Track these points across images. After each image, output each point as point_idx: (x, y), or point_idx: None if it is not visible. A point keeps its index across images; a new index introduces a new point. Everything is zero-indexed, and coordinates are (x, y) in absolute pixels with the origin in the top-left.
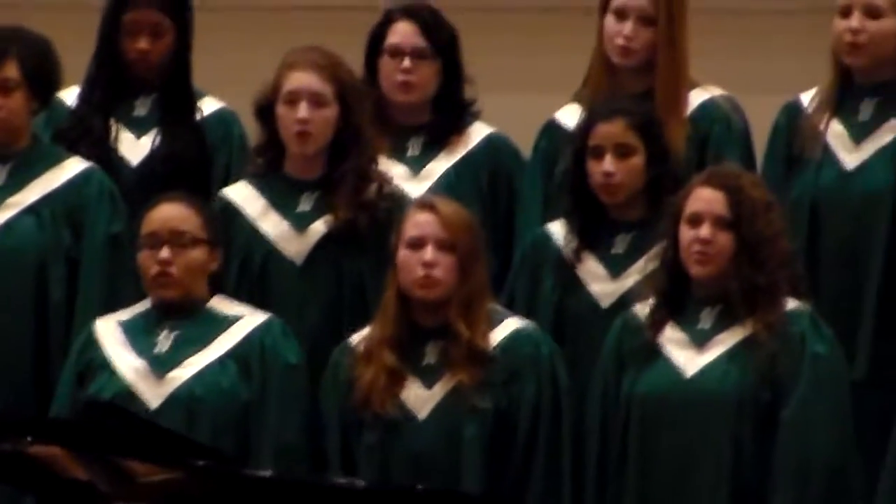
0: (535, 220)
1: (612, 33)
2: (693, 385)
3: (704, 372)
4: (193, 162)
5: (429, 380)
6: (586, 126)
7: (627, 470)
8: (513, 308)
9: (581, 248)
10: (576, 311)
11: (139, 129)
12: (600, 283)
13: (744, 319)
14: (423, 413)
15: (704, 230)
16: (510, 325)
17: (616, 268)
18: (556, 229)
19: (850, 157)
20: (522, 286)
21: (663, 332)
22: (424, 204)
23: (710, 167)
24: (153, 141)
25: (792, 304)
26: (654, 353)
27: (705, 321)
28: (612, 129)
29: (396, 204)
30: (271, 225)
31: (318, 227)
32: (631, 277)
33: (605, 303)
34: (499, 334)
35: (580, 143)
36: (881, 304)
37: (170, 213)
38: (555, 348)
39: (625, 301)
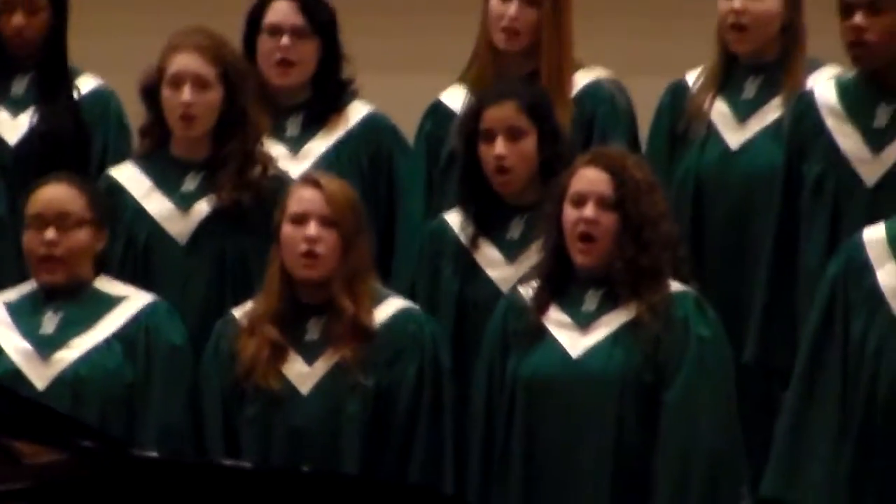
0: (419, 202)
1: (496, 15)
2: (578, 367)
3: (589, 354)
4: (70, 140)
5: (311, 355)
6: (476, 110)
7: (512, 451)
8: (415, 299)
9: (477, 234)
10: (476, 298)
11: (16, 107)
12: (498, 269)
13: (628, 301)
14: (304, 388)
15: (588, 210)
16: (394, 303)
17: (512, 252)
18: (453, 218)
19: (735, 136)
20: (423, 277)
21: (548, 314)
22: (309, 180)
23: (594, 148)
24: (31, 119)
25: (676, 286)
26: (538, 336)
27: (590, 303)
28: (502, 113)
29: (281, 184)
30: (156, 205)
31: (203, 207)
32: (527, 261)
33: (505, 287)
34: (382, 312)
35: (471, 128)
36: (770, 287)
37: (55, 193)
38: (437, 328)
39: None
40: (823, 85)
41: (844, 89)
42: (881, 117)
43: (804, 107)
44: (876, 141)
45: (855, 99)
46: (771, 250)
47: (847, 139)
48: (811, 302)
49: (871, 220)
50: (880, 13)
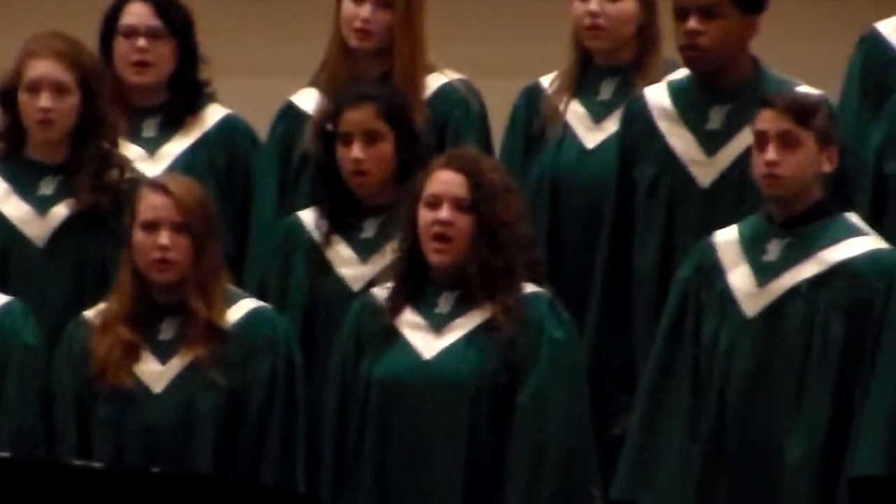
0: (271, 203)
1: (349, 16)
2: (431, 368)
3: (442, 355)
4: None
5: (164, 355)
6: (334, 113)
7: (364, 452)
8: (266, 296)
9: (331, 232)
10: (327, 295)
11: None
12: (350, 267)
13: (482, 303)
14: (157, 387)
15: (444, 213)
16: (246, 304)
17: (365, 252)
18: (307, 216)
19: (590, 137)
20: (275, 274)
21: (402, 316)
22: (157, 185)
23: (449, 150)
24: None
25: (530, 288)
26: (392, 337)
27: (444, 305)
28: (359, 116)
29: (138, 186)
30: (13, 208)
31: (60, 210)
32: (380, 261)
33: (356, 286)
34: (235, 313)
35: (328, 130)
36: (604, 289)
37: None
38: (290, 328)
39: (374, 284)
40: (655, 88)
41: (677, 92)
42: (714, 119)
43: (635, 110)
44: (710, 143)
45: (688, 101)
46: (605, 252)
47: (681, 141)
48: (645, 304)
49: (706, 222)
50: (714, 18)
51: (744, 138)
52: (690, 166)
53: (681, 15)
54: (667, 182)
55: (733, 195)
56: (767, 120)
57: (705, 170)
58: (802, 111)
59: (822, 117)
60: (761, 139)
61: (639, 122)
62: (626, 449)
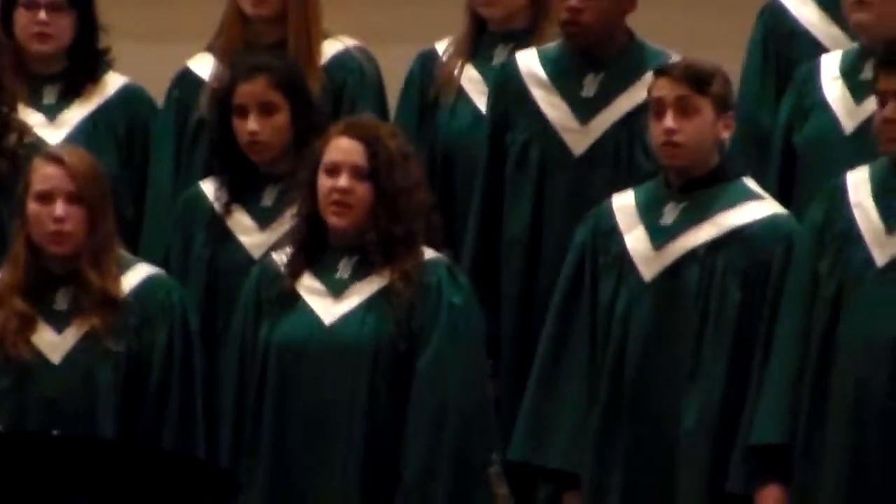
0: (168, 168)
1: None
2: (331, 333)
3: (342, 320)
4: None
5: (60, 325)
6: (229, 85)
7: (264, 417)
8: (168, 265)
9: (231, 201)
10: (229, 264)
11: None
12: (250, 235)
13: (381, 269)
14: (55, 357)
15: (342, 180)
16: (141, 270)
17: (265, 220)
18: (207, 186)
19: (484, 102)
20: (177, 244)
21: (301, 281)
22: (51, 156)
23: (347, 118)
24: None
25: (429, 253)
26: (291, 302)
27: (343, 271)
28: (254, 88)
29: (37, 152)
30: None
31: None
32: (280, 229)
33: (256, 254)
34: (130, 280)
35: (224, 102)
36: (475, 253)
37: None
38: (186, 294)
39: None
40: (527, 55)
41: (550, 60)
42: (589, 87)
43: (507, 76)
44: (583, 111)
45: (562, 69)
46: (476, 217)
47: (554, 109)
48: (513, 271)
49: (577, 191)
50: None
51: (618, 107)
52: (563, 134)
53: None
54: (538, 149)
55: (606, 164)
56: (664, 87)
57: (578, 137)
58: (699, 78)
59: (718, 84)
60: (658, 106)
61: (511, 88)
62: (522, 412)
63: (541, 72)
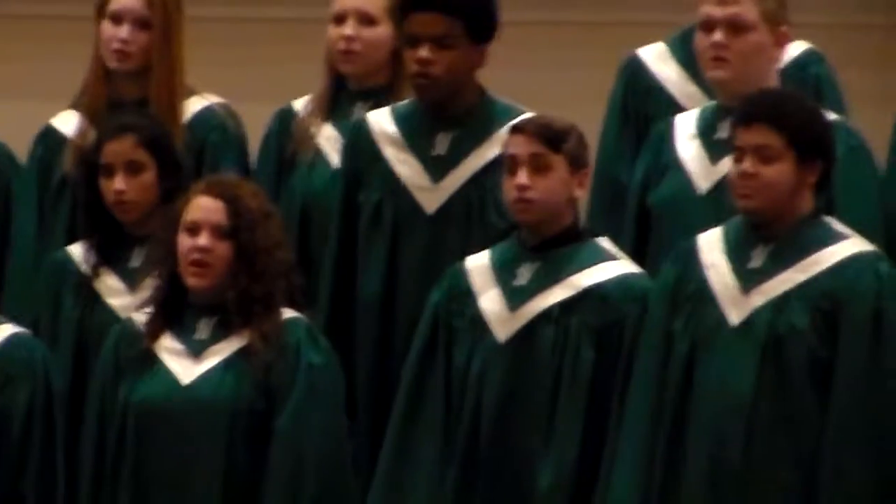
0: (30, 227)
1: (108, 37)
2: (188, 394)
3: (200, 380)
4: None
5: None
6: (96, 144)
7: (122, 478)
8: (38, 331)
9: (99, 264)
10: (98, 327)
11: None
12: (119, 297)
13: (240, 329)
14: None
15: (202, 239)
16: (4, 330)
17: (133, 281)
18: (75, 250)
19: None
20: (46, 309)
21: (160, 342)
22: None
23: (208, 176)
24: None
25: (289, 313)
26: (150, 362)
27: (202, 331)
28: (121, 147)
29: None
30: None
31: None
32: (149, 289)
33: (125, 316)
34: None
35: (90, 161)
36: (331, 313)
37: None
38: (48, 353)
39: None
40: (378, 113)
41: (401, 117)
42: (440, 145)
43: (358, 135)
44: (435, 169)
45: (413, 127)
46: (329, 277)
47: (406, 167)
48: (368, 333)
49: (431, 249)
50: (446, 48)
51: (470, 164)
52: (416, 192)
53: (412, 43)
54: (391, 208)
55: (459, 222)
56: (518, 144)
57: (431, 196)
58: (553, 136)
59: (572, 141)
60: (512, 163)
61: (363, 147)
62: (378, 474)
63: (393, 130)
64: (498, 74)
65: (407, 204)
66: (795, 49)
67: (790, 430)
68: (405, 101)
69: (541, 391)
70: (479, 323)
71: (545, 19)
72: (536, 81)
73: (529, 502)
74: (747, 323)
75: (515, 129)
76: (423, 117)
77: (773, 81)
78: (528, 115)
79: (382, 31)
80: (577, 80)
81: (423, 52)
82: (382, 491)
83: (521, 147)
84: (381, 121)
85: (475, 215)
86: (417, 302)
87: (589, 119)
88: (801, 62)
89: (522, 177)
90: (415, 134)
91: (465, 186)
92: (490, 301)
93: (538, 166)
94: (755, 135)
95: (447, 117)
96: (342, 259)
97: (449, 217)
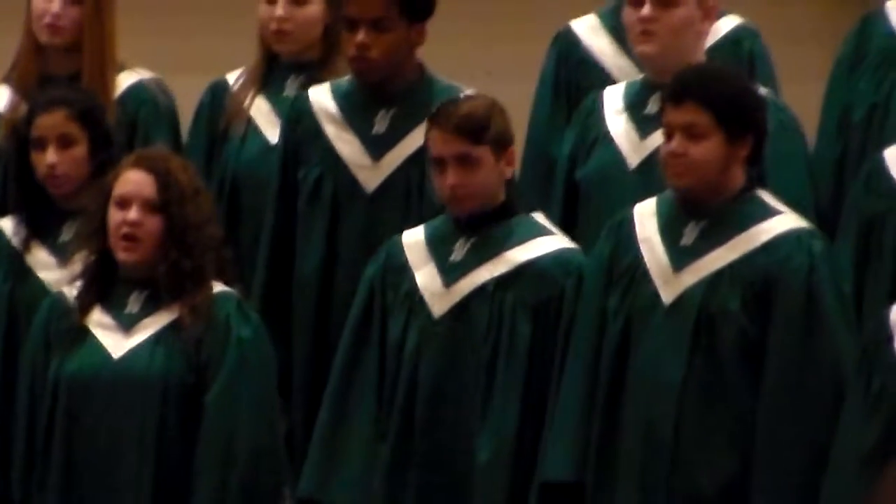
0: None
1: (39, 12)
2: (119, 368)
3: (130, 355)
4: None
5: None
6: (27, 118)
7: (53, 452)
8: None
9: (30, 238)
10: (28, 300)
11: None
12: (50, 271)
13: (170, 303)
14: None
15: (133, 213)
16: None
17: (65, 255)
18: (5, 223)
19: (274, 133)
20: None
21: (91, 315)
22: None
23: (138, 150)
24: None
25: (219, 287)
26: (81, 337)
27: (133, 305)
28: (52, 120)
29: None
30: None
31: None
32: (79, 263)
33: (55, 289)
34: None
35: (22, 135)
36: (266, 290)
37: None
38: None
39: None
40: (319, 90)
41: (342, 95)
42: (380, 124)
43: (299, 112)
44: (375, 147)
45: (353, 105)
46: (266, 252)
47: (346, 145)
48: (305, 310)
49: (370, 228)
50: (384, 31)
51: (409, 143)
52: (355, 170)
53: (350, 27)
54: (331, 185)
55: (398, 200)
56: (441, 145)
57: (370, 174)
58: (474, 130)
59: (494, 126)
60: (439, 164)
61: (303, 123)
62: (312, 448)
63: (333, 107)
64: (431, 49)
65: (346, 182)
66: (728, 24)
67: (721, 410)
68: (345, 78)
69: (477, 367)
70: (414, 298)
71: None
72: (469, 55)
73: (466, 478)
74: (679, 302)
75: (436, 126)
76: (363, 95)
77: (700, 56)
78: (467, 92)
79: (314, 10)
80: (511, 54)
81: (361, 36)
82: (317, 462)
83: (446, 148)
84: (322, 98)
85: (414, 194)
86: (355, 280)
87: (523, 93)
88: (734, 37)
89: (452, 177)
90: (355, 112)
91: (404, 165)
92: (425, 276)
93: (465, 163)
94: (683, 113)
95: (387, 96)
96: (279, 236)
97: (388, 195)
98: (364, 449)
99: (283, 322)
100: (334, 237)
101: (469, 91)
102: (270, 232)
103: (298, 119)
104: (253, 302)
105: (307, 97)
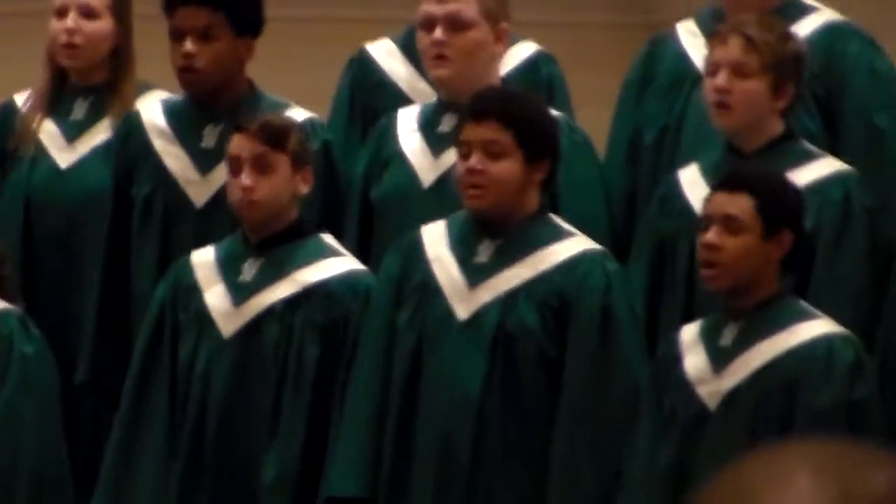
0: None
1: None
2: None
3: None
4: None
5: None
6: None
7: None
8: None
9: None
10: None
11: None
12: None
13: None
14: None
15: None
16: None
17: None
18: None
19: (63, 156)
20: None
21: None
22: None
23: None
24: None
25: (1, 304)
26: None
27: None
28: None
29: None
30: None
31: None
32: None
33: None
34: None
35: None
36: (101, 308)
37: None
38: None
39: None
40: (150, 106)
41: (172, 110)
42: (209, 138)
43: (130, 128)
44: (204, 162)
45: (182, 120)
46: (101, 272)
47: (175, 160)
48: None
49: (200, 242)
50: (210, 40)
51: None
52: (184, 185)
53: (177, 36)
54: (161, 201)
55: (228, 215)
56: (240, 145)
57: (199, 189)
58: (275, 135)
59: (294, 139)
60: (235, 164)
61: (134, 140)
62: (103, 469)
63: (162, 122)
64: (254, 71)
65: (176, 197)
66: (526, 50)
67: (520, 428)
68: (177, 95)
69: (265, 387)
70: (204, 318)
71: (289, 16)
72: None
73: (255, 498)
74: (475, 319)
75: (239, 129)
76: (191, 110)
77: (496, 78)
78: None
79: (104, 25)
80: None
81: (188, 46)
82: (107, 488)
83: (245, 148)
84: (152, 113)
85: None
86: None
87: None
88: (533, 62)
89: (245, 178)
90: (183, 126)
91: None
92: (215, 296)
93: (261, 166)
94: (484, 130)
95: (216, 110)
96: (114, 255)
97: (217, 210)
98: (154, 472)
99: (122, 337)
100: (166, 253)
101: (296, 107)
102: (105, 252)
103: (128, 136)
104: (89, 319)
105: (138, 113)
